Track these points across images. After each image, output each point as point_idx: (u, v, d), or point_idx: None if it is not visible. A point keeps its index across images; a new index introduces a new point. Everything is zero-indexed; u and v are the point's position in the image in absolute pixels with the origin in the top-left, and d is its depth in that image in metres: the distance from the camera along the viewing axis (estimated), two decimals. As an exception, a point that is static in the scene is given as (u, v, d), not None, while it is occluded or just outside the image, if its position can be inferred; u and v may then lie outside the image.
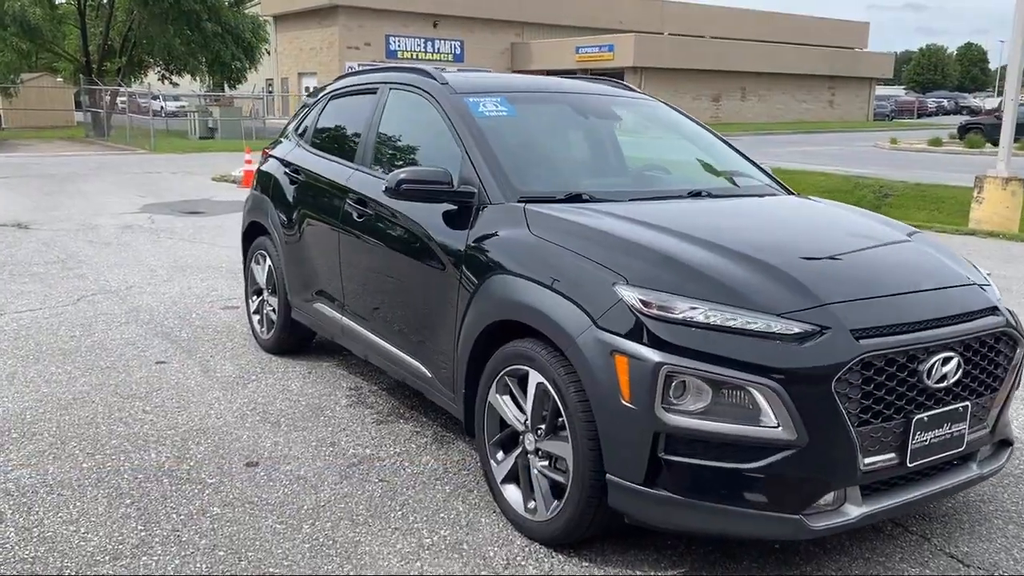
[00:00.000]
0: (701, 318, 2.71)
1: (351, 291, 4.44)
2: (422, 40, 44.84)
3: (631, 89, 4.79)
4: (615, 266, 2.91)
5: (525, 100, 4.21)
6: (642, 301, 2.77)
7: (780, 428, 2.63)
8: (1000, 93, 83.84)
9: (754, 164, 4.41)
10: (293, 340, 5.36)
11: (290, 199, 5.04)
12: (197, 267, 8.26)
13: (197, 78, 36.71)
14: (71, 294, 7.02)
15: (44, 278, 7.61)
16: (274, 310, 5.36)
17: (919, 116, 64.73)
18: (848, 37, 60.98)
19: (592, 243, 3.07)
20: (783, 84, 52.93)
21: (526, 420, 3.20)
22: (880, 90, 67.20)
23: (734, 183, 4.18)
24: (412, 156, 4.33)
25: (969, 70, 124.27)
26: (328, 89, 5.26)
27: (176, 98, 42.25)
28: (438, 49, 45.14)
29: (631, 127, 4.52)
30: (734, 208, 3.80)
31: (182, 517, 3.34)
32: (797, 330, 2.69)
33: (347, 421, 4.36)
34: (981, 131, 33.00)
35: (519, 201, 3.47)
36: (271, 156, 5.53)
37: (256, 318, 5.63)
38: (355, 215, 4.32)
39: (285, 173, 5.17)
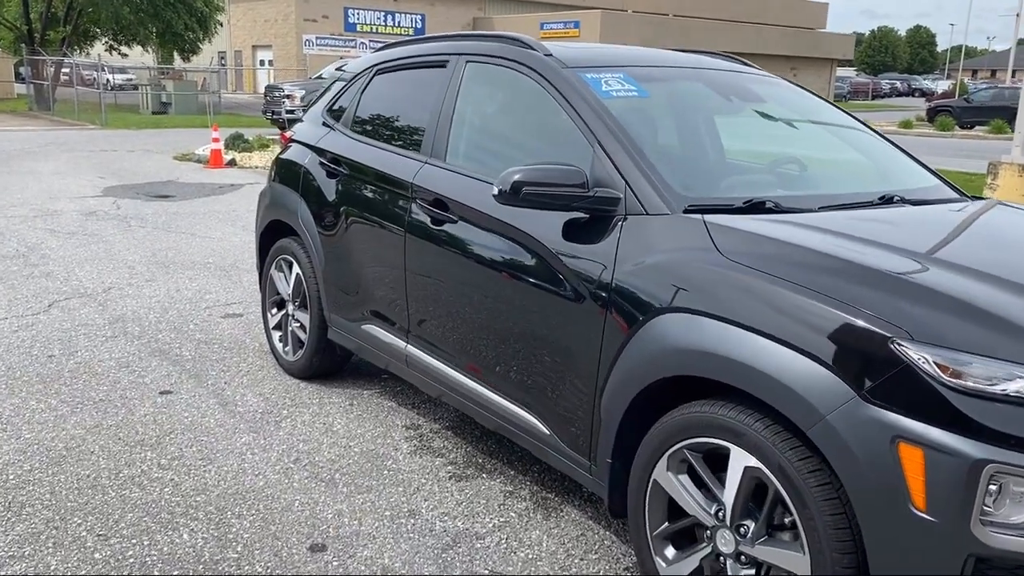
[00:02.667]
0: None
1: (422, 315, 3.57)
2: (382, 13, 43.32)
3: (744, 62, 3.94)
4: (883, 311, 2.08)
5: (651, 77, 3.35)
6: (940, 366, 1.95)
7: None
8: (948, 76, 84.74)
9: (914, 158, 3.61)
10: (327, 364, 4.46)
11: (330, 196, 4.12)
12: (180, 263, 7.26)
13: (149, 49, 34.98)
14: (40, 298, 6.00)
15: (4, 277, 6.56)
16: (303, 327, 4.46)
17: (873, 97, 65.21)
18: (807, 18, 60.76)
19: (828, 274, 2.24)
20: (746, 63, 52.43)
21: (719, 512, 2.38)
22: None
23: (908, 184, 3.37)
24: (512, 148, 3.46)
25: (918, 52, 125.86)
26: (372, 61, 4.33)
27: (123, 70, 40.24)
28: (399, 23, 43.65)
29: (768, 112, 3.68)
30: (956, 220, 2.97)
31: (245, 640, 2.47)
32: None
33: (418, 477, 3.49)
34: (950, 113, 32.96)
35: (689, 211, 2.62)
36: (296, 143, 4.59)
37: (277, 335, 4.71)
38: (429, 221, 3.44)
39: (321, 164, 4.24)
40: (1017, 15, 42.52)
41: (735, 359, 2.26)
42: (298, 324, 4.50)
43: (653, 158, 2.79)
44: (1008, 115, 30.83)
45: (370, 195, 3.86)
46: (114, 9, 29.31)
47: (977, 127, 31.19)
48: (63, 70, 31.49)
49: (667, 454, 2.48)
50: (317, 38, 37.73)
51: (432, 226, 3.42)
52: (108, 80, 37.71)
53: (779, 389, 2.15)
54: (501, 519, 3.19)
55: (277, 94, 21.37)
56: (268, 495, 3.30)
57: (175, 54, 35.48)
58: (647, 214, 2.66)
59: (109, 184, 12.01)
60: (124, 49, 35.09)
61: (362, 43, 40.75)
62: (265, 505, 3.23)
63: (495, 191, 2.81)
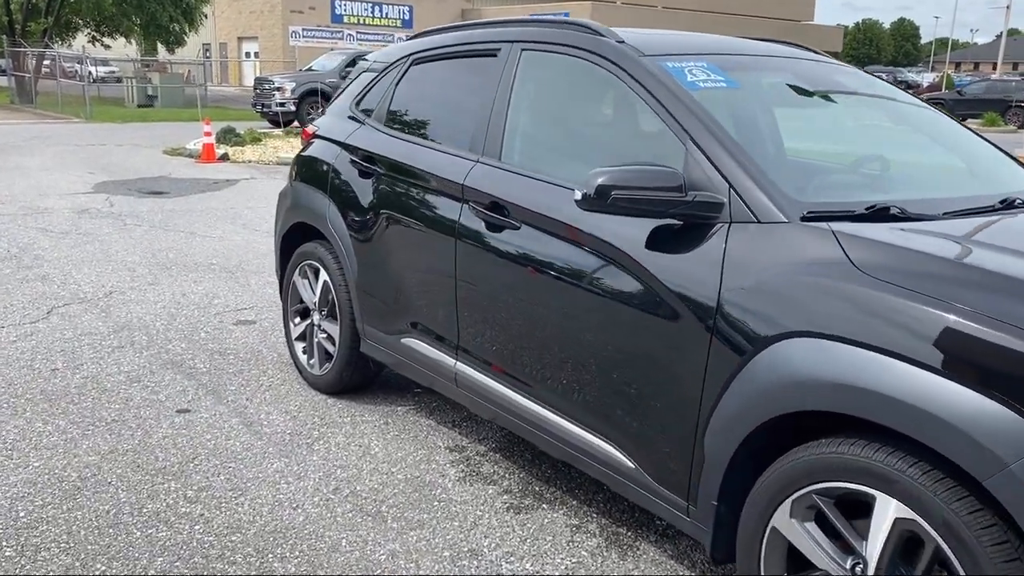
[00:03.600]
0: None
1: (475, 329, 3.23)
2: (369, 4, 42.85)
3: (813, 51, 3.61)
4: (1078, 342, 1.77)
5: (737, 66, 3.02)
6: None
7: None
8: (933, 68, 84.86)
9: (1010, 155, 3.31)
10: (358, 378, 4.12)
11: (363, 197, 3.78)
12: (183, 264, 6.89)
13: (132, 41, 34.36)
14: (37, 304, 5.63)
15: (-2, 281, 6.19)
16: (330, 338, 4.11)
17: (862, 90, 65.14)
18: (795, 10, 60.62)
19: (997, 295, 1.92)
20: (734, 56, 52.15)
21: (857, 567, 2.06)
22: (825, 63, 67.12)
23: (1017, 186, 3.05)
24: (582, 147, 3.13)
25: (902, 45, 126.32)
26: (406, 50, 3.98)
27: (105, 62, 39.51)
28: (386, 14, 43.18)
29: (850, 104, 3.36)
30: None
31: None
32: None
33: (472, 509, 3.16)
34: (943, 105, 32.80)
35: (808, 218, 2.30)
36: (321, 139, 4.23)
37: (300, 347, 4.36)
38: (484, 226, 3.11)
39: (352, 162, 3.90)
40: (1008, 7, 42.54)
41: (884, 393, 1.94)
42: (325, 335, 4.16)
43: (758, 157, 2.47)
44: (1001, 107, 30.81)
45: (412, 197, 3.52)
46: (96, 0, 28.72)
47: (970, 119, 31.06)
48: (44, 62, 30.84)
49: (791, 499, 2.16)
50: (304, 29, 37.22)
51: (489, 232, 3.09)
52: (91, 72, 37.12)
53: (946, 431, 1.84)
54: (573, 559, 2.86)
55: (267, 86, 20.91)
56: (311, 532, 2.96)
57: (159, 46, 34.87)
58: (758, 222, 2.34)
59: (100, 180, 11.58)
60: (107, 41, 34.43)
61: (349, 35, 40.31)
62: (309, 545, 2.89)
63: (578, 196, 2.48)
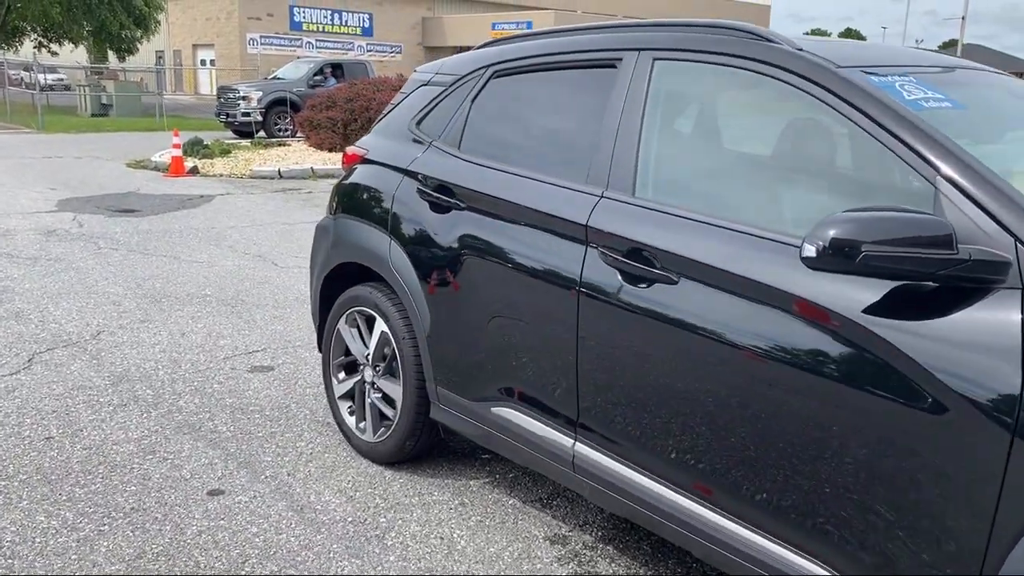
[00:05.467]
0: None
1: (605, 405, 2.61)
2: (329, 12, 41.91)
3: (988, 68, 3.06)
4: None
5: (949, 82, 2.46)
6: None
7: None
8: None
9: None
10: (422, 447, 3.48)
11: (440, 235, 3.13)
12: (173, 296, 6.16)
13: (82, 46, 33.12)
14: (15, 349, 4.87)
15: (-35, 320, 5.40)
16: (386, 399, 3.47)
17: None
18: (751, 20, 61.06)
19: None
20: (695, 66, 52.17)
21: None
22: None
23: None
24: (761, 181, 2.53)
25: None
26: (481, 61, 3.34)
27: (53, 69, 38.06)
28: (346, 22, 42.25)
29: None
30: None
31: None
32: None
33: (607, 628, 2.54)
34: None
35: None
36: (372, 164, 3.59)
37: (346, 406, 3.70)
38: (621, 277, 2.49)
39: (420, 192, 3.26)
40: (963, 18, 43.16)
41: None
42: (380, 395, 3.51)
43: (1038, 201, 1.90)
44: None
45: (509, 238, 2.89)
46: (43, 7, 27.55)
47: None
48: (-10, 70, 29.51)
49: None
50: (262, 37, 36.25)
51: (628, 285, 2.48)
52: (35, 80, 35.71)
53: None
54: None
55: (232, 95, 20.04)
56: (418, 674, 2.32)
57: (110, 53, 33.63)
58: (1064, 288, 1.76)
59: (63, 196, 10.72)
60: (54, 47, 33.15)
61: (308, 42, 39.44)
62: None
63: (810, 252, 1.88)
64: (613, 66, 2.78)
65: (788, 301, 2.10)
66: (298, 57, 26.09)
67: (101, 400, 4.15)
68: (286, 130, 19.83)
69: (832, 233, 1.84)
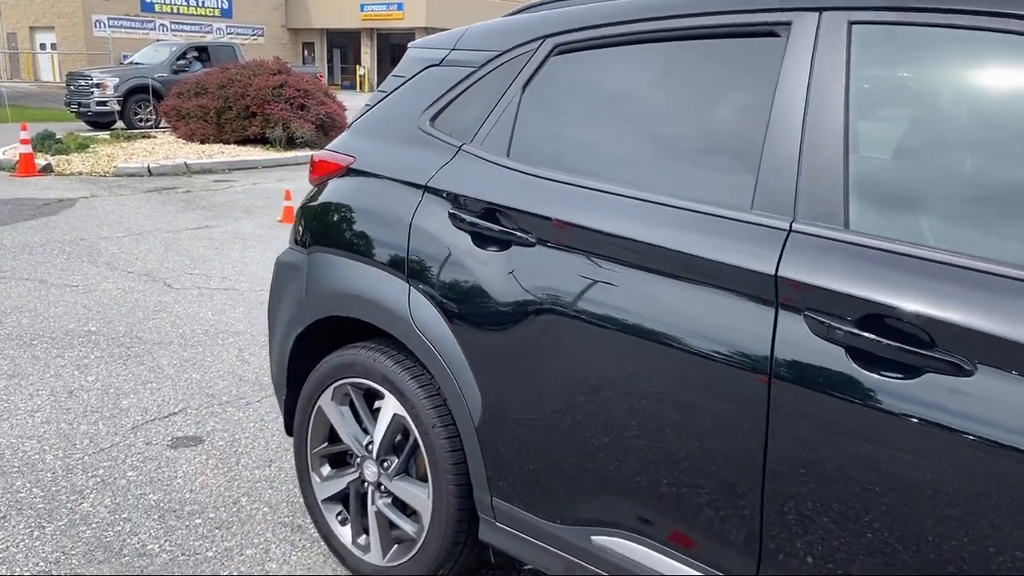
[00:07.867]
0: None
1: (821, 550, 1.71)
2: (183, -8, 39.21)
3: None
4: None
5: None
6: None
7: None
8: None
9: None
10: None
11: (494, 283, 2.14)
12: (48, 335, 4.88)
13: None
14: None
15: None
16: (400, 507, 2.47)
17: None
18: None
19: None
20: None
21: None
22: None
23: None
24: None
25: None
26: (536, 31, 2.33)
27: None
28: (203, 3, 39.56)
29: None
30: None
31: None
32: None
33: None
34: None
35: None
36: (365, 175, 2.55)
37: (335, 515, 2.66)
38: (851, 359, 1.59)
39: (453, 218, 2.25)
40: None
41: None
42: (387, 500, 2.50)
43: None
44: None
45: (632, 292, 1.93)
46: None
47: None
48: None
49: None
50: (110, 19, 33.65)
51: (870, 374, 1.58)
52: None
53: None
54: None
55: (83, 83, 18.01)
56: None
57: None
58: None
59: None
60: None
61: (162, 25, 36.89)
62: None
63: None
64: (775, 34, 1.87)
65: None
66: (158, 40, 24.02)
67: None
68: (148, 120, 18.00)
69: None
